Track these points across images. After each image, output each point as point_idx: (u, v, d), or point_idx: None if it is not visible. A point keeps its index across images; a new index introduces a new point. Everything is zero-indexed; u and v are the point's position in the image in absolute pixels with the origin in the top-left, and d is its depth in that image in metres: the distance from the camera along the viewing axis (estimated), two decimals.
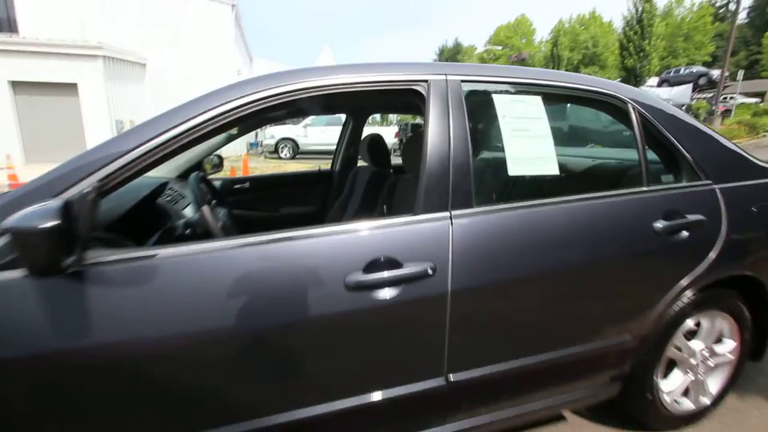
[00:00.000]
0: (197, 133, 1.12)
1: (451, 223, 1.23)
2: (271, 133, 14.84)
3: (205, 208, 1.32)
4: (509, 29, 48.61)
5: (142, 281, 1.04)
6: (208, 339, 1.06)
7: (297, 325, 1.11)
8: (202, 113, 1.12)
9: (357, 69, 1.28)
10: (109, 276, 1.02)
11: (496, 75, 1.43)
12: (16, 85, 11.34)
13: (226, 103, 1.14)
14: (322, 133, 13.95)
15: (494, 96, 1.40)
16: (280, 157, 14.46)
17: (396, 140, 15.02)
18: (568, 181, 1.43)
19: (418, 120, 21.45)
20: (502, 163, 1.34)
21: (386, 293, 1.14)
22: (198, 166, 2.59)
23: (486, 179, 1.44)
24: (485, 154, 1.54)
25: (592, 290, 1.42)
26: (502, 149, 1.36)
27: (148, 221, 1.50)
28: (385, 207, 1.38)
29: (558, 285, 1.36)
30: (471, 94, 1.37)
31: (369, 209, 2.20)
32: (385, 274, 1.14)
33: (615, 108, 1.61)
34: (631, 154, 1.99)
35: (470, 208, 1.27)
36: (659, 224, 1.46)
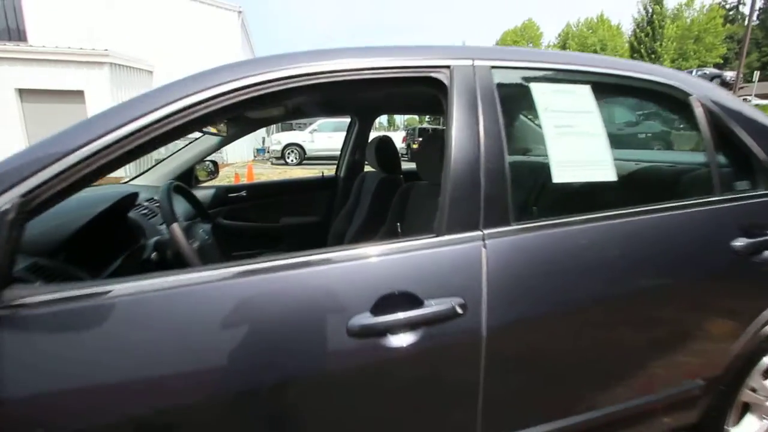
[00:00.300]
0: (159, 130, 0.86)
1: (484, 246, 0.96)
2: (278, 139, 14.68)
3: (175, 228, 1.07)
4: (516, 33, 48.23)
5: (87, 329, 0.78)
6: (173, 406, 0.80)
7: (285, 384, 0.84)
8: (165, 106, 0.87)
9: (362, 52, 1.02)
10: (40, 323, 0.76)
11: (534, 60, 1.16)
12: (24, 93, 11.33)
13: (198, 92, 0.88)
14: (329, 139, 13.74)
15: (533, 85, 1.13)
16: (286, 163, 14.28)
17: (404, 145, 14.78)
18: (614, 190, 1.15)
19: (425, 125, 21.25)
20: (543, 169, 1.07)
21: (402, 340, 0.87)
22: (189, 173, 2.35)
23: (525, 189, 1.16)
24: (522, 158, 1.27)
25: (659, 326, 1.14)
26: (543, 151, 1.09)
27: (114, 242, 1.25)
28: (398, 224, 1.11)
29: (617, 321, 1.08)
30: (504, 84, 1.10)
31: (377, 219, 1.94)
32: (400, 315, 0.87)
33: (674, 102, 1.33)
34: (686, 157, 1.70)
35: (507, 225, 1.00)
36: (739, 242, 1.17)
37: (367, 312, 0.86)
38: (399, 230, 1.02)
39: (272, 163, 14.65)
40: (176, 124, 0.87)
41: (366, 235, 2.07)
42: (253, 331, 0.83)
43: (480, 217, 0.98)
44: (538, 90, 1.13)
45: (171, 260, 1.11)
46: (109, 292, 0.80)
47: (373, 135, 2.58)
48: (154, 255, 1.11)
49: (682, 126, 1.36)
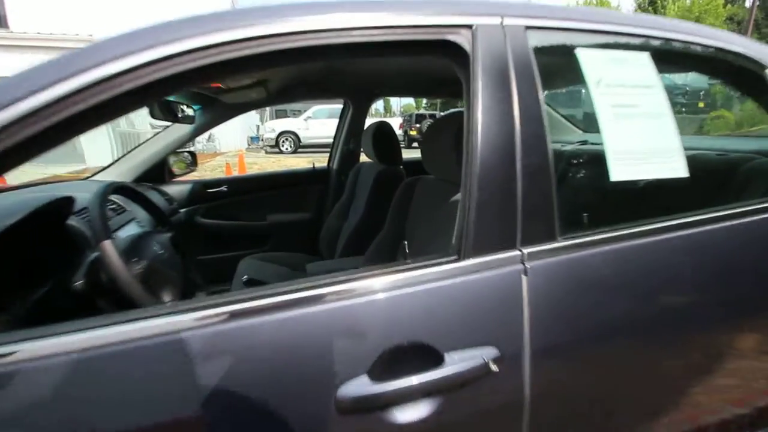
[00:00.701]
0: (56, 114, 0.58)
1: (525, 272, 0.69)
2: (272, 127, 14.26)
3: (107, 246, 0.80)
4: None
5: None
6: None
7: None
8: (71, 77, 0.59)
9: (352, 6, 0.73)
10: None
11: (580, 19, 0.88)
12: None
13: (123, 58, 0.60)
14: (324, 126, 13.33)
15: (580, 53, 0.85)
16: (281, 151, 13.89)
17: (401, 131, 14.41)
18: (682, 189, 0.88)
19: (422, 111, 20.76)
20: (598, 163, 0.80)
21: (412, 414, 0.61)
22: (161, 166, 2.06)
23: (575, 190, 0.89)
24: (570, 148, 0.99)
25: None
26: (594, 138, 0.82)
27: (42, 262, 0.96)
28: (405, 243, 0.82)
29: (721, 370, 0.83)
30: (543, 49, 0.82)
31: (376, 217, 1.67)
32: (412, 379, 0.61)
33: (744, 74, 1.06)
34: (739, 144, 1.43)
35: (553, 240, 0.73)
36: None
37: (363, 375, 0.60)
38: (406, 249, 0.75)
39: (266, 152, 14.26)
40: (86, 104, 0.59)
41: (363, 236, 1.80)
42: (204, 411, 0.57)
43: (517, 230, 0.71)
44: (587, 58, 0.85)
45: (107, 288, 0.84)
46: (11, 354, 0.54)
47: (368, 122, 2.30)
48: (80, 283, 0.84)
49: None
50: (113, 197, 1.40)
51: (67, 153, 9.40)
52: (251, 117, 17.20)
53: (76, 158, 8.97)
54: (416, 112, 17.09)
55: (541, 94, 0.77)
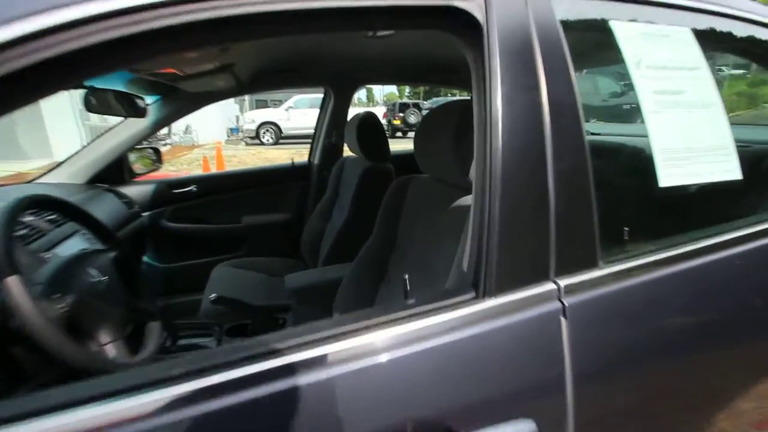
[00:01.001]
0: None
1: (564, 312, 0.53)
2: (252, 117, 13.80)
3: (12, 283, 0.60)
4: None
5: None
6: None
7: None
8: None
9: None
10: None
11: None
12: None
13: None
14: (306, 116, 12.96)
15: (615, 26, 0.68)
16: (261, 143, 13.47)
17: (384, 121, 14.16)
18: (733, 192, 0.73)
19: (405, 100, 20.47)
20: (642, 163, 0.64)
21: None
22: (119, 165, 1.83)
23: (617, 199, 0.72)
24: (608, 142, 0.82)
25: None
26: (633, 129, 0.66)
27: None
28: (406, 278, 0.63)
29: None
30: (572, 22, 0.65)
31: (362, 220, 1.50)
32: None
33: None
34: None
35: (594, 267, 0.57)
36: None
37: None
38: (407, 286, 0.57)
39: (246, 144, 13.83)
40: None
41: (349, 239, 1.63)
42: None
43: (550, 255, 0.55)
44: (622, 32, 0.69)
45: (21, 335, 0.65)
46: None
47: (352, 112, 2.10)
48: None
49: None
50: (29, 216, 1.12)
51: (34, 147, 8.92)
52: (231, 107, 16.66)
53: (44, 153, 8.47)
54: (399, 101, 16.83)
55: (575, 79, 0.60)
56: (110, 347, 0.79)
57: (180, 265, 1.99)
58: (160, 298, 1.98)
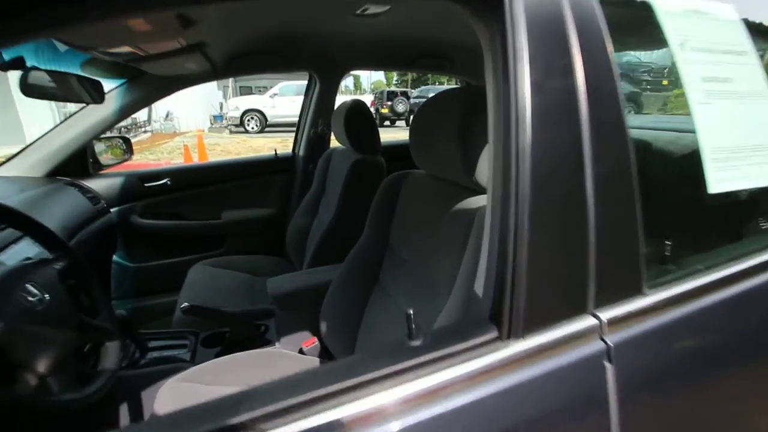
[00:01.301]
0: None
1: (608, 355, 0.42)
2: (236, 104, 13.43)
3: None
4: None
5: None
6: None
7: None
8: None
9: None
10: None
11: None
12: None
13: None
14: (291, 103, 12.65)
15: (657, 3, 0.57)
16: (246, 131, 13.13)
17: (372, 109, 13.94)
18: None
19: (393, 88, 20.16)
20: (689, 165, 0.54)
21: None
22: (82, 156, 1.67)
23: (663, 208, 0.61)
24: (652, 140, 0.70)
25: None
26: (680, 126, 0.56)
27: None
28: (410, 312, 0.51)
29: None
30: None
31: (351, 217, 1.39)
32: None
33: None
34: None
35: (639, 295, 0.47)
36: None
37: None
38: (412, 324, 0.45)
39: (230, 132, 13.48)
40: None
41: (337, 237, 1.51)
42: None
43: (589, 282, 0.44)
44: (665, 10, 0.58)
45: None
46: None
47: (338, 101, 1.96)
48: None
49: None
50: None
51: (6, 133, 8.52)
52: (214, 94, 16.18)
53: (17, 139, 8.11)
54: (387, 89, 16.60)
55: (615, 63, 0.49)
56: (53, 379, 0.67)
57: (154, 265, 1.85)
58: (133, 299, 1.84)
